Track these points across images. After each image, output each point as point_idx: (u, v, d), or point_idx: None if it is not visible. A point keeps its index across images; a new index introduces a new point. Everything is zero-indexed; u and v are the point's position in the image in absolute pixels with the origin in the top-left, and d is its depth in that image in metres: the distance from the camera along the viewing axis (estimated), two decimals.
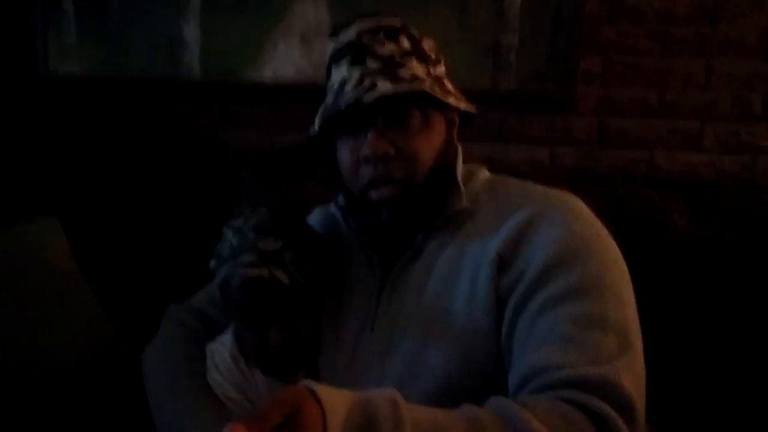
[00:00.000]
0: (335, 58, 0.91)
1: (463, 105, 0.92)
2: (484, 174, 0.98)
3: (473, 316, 0.83)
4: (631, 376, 0.70)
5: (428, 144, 0.89)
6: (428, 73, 0.89)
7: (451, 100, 0.89)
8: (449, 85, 0.93)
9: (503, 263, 0.83)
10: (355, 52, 0.88)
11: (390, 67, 0.86)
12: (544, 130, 1.68)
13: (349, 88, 0.86)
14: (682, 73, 1.64)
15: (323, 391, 0.60)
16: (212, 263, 0.95)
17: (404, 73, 0.86)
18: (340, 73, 0.89)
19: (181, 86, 1.72)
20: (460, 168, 0.95)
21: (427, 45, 0.93)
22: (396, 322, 0.90)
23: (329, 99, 0.90)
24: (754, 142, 1.64)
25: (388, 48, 0.88)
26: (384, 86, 0.83)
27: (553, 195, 0.88)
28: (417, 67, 0.88)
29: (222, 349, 0.98)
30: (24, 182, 1.54)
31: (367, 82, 0.84)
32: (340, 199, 1.03)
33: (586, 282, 0.76)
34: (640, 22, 1.63)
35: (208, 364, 0.97)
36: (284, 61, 1.68)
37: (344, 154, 0.91)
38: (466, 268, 0.87)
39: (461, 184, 0.93)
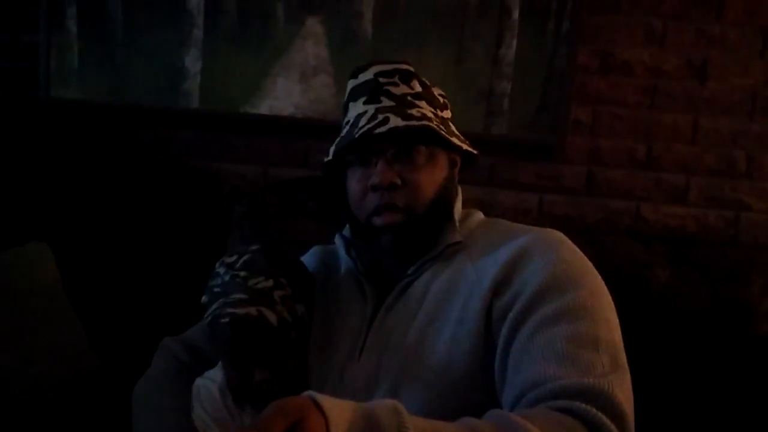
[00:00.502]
0: (353, 96, 1.01)
1: (465, 146, 1.00)
2: (480, 216, 1.06)
3: (459, 338, 0.88)
4: (623, 392, 0.74)
5: (431, 178, 0.96)
6: (436, 115, 0.98)
7: (455, 140, 0.97)
8: (453, 128, 1.02)
9: (499, 287, 0.88)
10: (372, 91, 0.97)
11: (402, 106, 0.95)
12: (533, 177, 1.71)
13: (363, 121, 0.95)
14: (670, 127, 1.68)
15: (326, 401, 0.62)
16: (204, 299, 0.97)
17: (415, 112, 0.95)
18: (356, 109, 0.99)
19: (179, 115, 1.75)
20: (459, 206, 1.03)
21: (436, 91, 1.03)
22: (383, 351, 0.94)
23: (344, 131, 0.99)
24: (737, 198, 1.67)
25: (402, 89, 0.97)
26: (395, 121, 0.92)
27: (544, 230, 0.95)
28: (426, 108, 0.97)
29: (210, 384, 0.99)
30: (17, 206, 1.56)
31: (380, 117, 0.93)
32: (345, 231, 1.09)
33: (579, 305, 0.82)
34: (630, 75, 1.67)
35: (192, 399, 0.98)
36: (282, 96, 1.71)
37: (353, 182, 0.98)
38: (460, 293, 0.92)
39: (456, 219, 1.01)
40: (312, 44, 1.69)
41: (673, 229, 1.64)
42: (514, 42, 1.65)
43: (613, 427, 0.70)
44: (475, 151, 1.02)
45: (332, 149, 0.99)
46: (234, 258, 0.98)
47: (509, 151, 1.70)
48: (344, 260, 1.09)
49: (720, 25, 1.65)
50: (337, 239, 1.11)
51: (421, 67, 1.02)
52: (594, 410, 0.70)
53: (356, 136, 0.92)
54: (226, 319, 0.91)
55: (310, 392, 0.63)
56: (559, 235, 0.94)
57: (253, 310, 0.91)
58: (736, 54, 1.65)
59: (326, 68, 1.68)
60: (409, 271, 0.98)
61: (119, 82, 1.75)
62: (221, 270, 0.97)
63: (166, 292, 1.55)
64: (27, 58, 1.79)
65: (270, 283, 0.94)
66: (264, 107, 1.73)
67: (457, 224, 1.00)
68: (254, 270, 0.95)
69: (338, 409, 0.62)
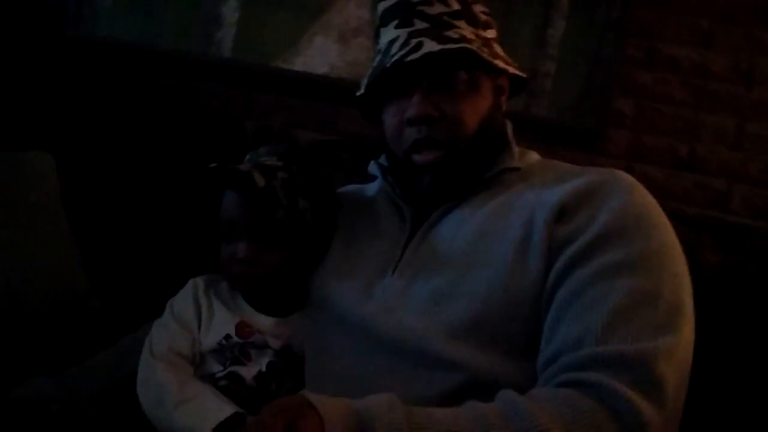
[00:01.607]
0: (384, 20, 0.92)
1: (512, 69, 0.91)
2: (536, 156, 0.96)
3: (525, 258, 0.77)
4: (670, 361, 0.66)
5: (474, 108, 0.87)
6: (477, 35, 0.89)
7: (500, 63, 0.88)
8: (498, 49, 0.92)
9: (564, 212, 0.79)
10: (404, 13, 0.88)
11: (438, 28, 0.87)
12: None
13: (395, 48, 0.86)
14: (714, 129, 1.63)
15: (320, 400, 0.62)
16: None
17: (452, 33, 0.85)
18: (388, 34, 0.90)
19: (208, 65, 1.70)
20: (511, 131, 0.94)
21: (478, 8, 0.92)
22: (423, 264, 0.85)
23: (376, 61, 0.91)
24: None
25: (437, 8, 0.88)
26: (430, 45, 0.82)
27: (615, 170, 0.85)
28: (466, 29, 0.88)
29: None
30: (28, 117, 1.45)
31: (413, 42, 0.84)
32: (382, 159, 1.01)
33: (646, 256, 0.73)
34: (676, 72, 1.64)
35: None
36: (318, 55, 1.66)
37: (389, 116, 0.90)
38: (518, 213, 0.82)
39: (514, 145, 0.91)
40: (355, 5, 1.65)
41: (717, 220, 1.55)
42: (562, 24, 1.62)
43: (642, 403, 0.63)
44: (524, 75, 0.93)
45: (364, 81, 0.92)
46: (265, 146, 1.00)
47: (548, 135, 1.64)
48: (378, 186, 1.02)
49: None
50: (372, 165, 1.03)
51: None
52: (621, 387, 0.63)
53: (388, 65, 0.85)
54: (215, 165, 0.90)
55: (304, 392, 0.65)
56: (631, 177, 0.84)
57: (246, 167, 0.91)
58: None
59: (367, 31, 1.64)
60: (452, 197, 0.89)
61: (151, 24, 1.69)
62: (248, 156, 0.99)
63: (168, 232, 1.43)
64: None
65: (279, 163, 0.93)
66: (298, 64, 1.67)
67: (515, 150, 0.91)
68: (272, 152, 0.96)
69: (333, 408, 0.63)
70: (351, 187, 1.09)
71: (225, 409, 0.83)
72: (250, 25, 1.67)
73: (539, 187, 0.85)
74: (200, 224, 1.30)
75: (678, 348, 0.68)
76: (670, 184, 1.64)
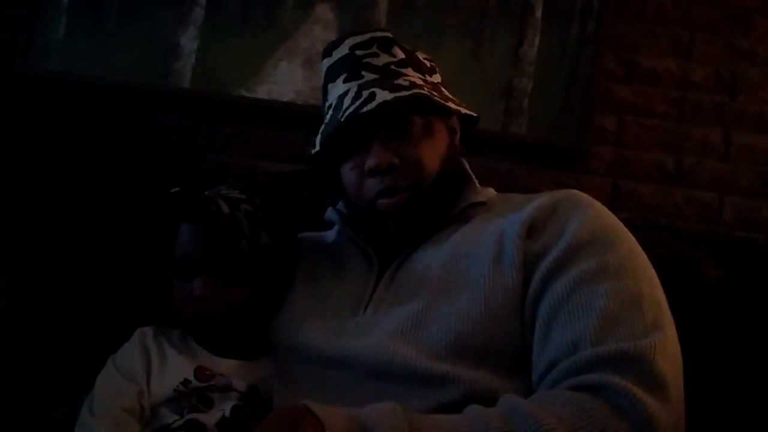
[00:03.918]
0: (330, 76, 0.92)
1: (463, 110, 0.93)
2: (493, 191, 0.98)
3: (500, 271, 0.78)
4: (666, 355, 0.68)
5: (432, 150, 0.89)
6: (425, 81, 0.91)
7: (451, 105, 0.90)
8: (447, 93, 0.95)
9: (533, 227, 0.81)
10: (351, 67, 0.89)
11: (387, 77, 0.87)
12: (553, 186, 1.58)
13: (347, 102, 0.86)
14: (700, 141, 1.59)
15: (321, 408, 0.62)
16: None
17: (402, 81, 0.86)
18: (336, 89, 0.90)
19: (167, 97, 1.63)
20: (468, 168, 0.96)
21: (421, 56, 0.95)
22: (397, 299, 0.84)
23: (328, 117, 0.91)
24: None
25: (383, 59, 0.89)
26: (383, 95, 0.83)
27: (575, 190, 0.89)
28: (414, 76, 0.89)
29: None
30: None
31: (365, 94, 0.84)
32: (340, 206, 1.01)
33: (621, 262, 0.76)
34: (657, 85, 1.60)
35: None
36: (283, 82, 1.60)
37: (347, 170, 0.90)
38: (488, 234, 0.84)
39: (475, 180, 0.94)
40: (320, 30, 1.60)
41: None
42: (537, 41, 1.59)
43: (648, 399, 0.63)
44: (474, 114, 0.95)
45: (318, 139, 0.91)
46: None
47: (528, 154, 1.59)
48: (337, 231, 1.01)
49: (748, 39, 1.61)
50: (330, 212, 1.03)
51: (437, 61, 0.97)
52: (626, 384, 0.64)
53: (342, 119, 0.84)
54: (181, 194, 0.84)
55: (305, 401, 0.63)
56: (589, 196, 0.87)
57: (210, 194, 0.87)
58: (765, 69, 1.59)
59: None
60: (419, 238, 0.90)
61: (106, 56, 1.62)
62: (207, 193, 0.92)
63: (120, 279, 1.32)
64: (9, 30, 1.66)
65: (242, 196, 0.90)
66: (262, 92, 1.60)
67: (476, 181, 0.94)
68: (235, 186, 0.93)
69: (333, 415, 0.63)
70: (308, 234, 1.06)
71: None
72: (210, 54, 1.62)
73: (504, 214, 0.87)
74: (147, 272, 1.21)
75: (668, 343, 0.70)
76: (659, 199, 1.59)
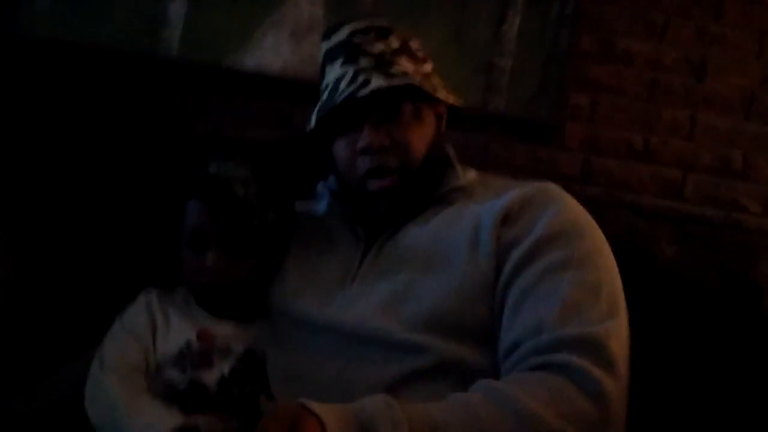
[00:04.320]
0: (329, 59, 1.01)
1: (451, 99, 1.02)
2: (474, 173, 1.07)
3: (476, 258, 0.87)
4: (617, 339, 0.78)
5: (420, 135, 0.97)
6: (417, 70, 0.98)
7: (441, 94, 0.98)
8: (437, 81, 1.03)
9: (508, 216, 0.90)
10: (348, 52, 0.96)
11: (382, 64, 0.95)
12: (527, 160, 1.68)
13: (343, 85, 0.94)
14: (668, 121, 1.68)
15: (318, 405, 0.65)
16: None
17: (395, 69, 0.94)
18: (334, 72, 0.98)
19: (154, 65, 1.66)
20: (452, 152, 1.05)
21: (414, 45, 1.03)
22: (381, 273, 0.93)
23: (324, 97, 0.98)
24: (733, 198, 1.66)
25: (379, 47, 0.96)
26: (377, 81, 0.91)
27: (549, 183, 0.99)
28: (406, 64, 0.97)
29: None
30: None
31: (360, 79, 0.92)
32: (330, 181, 1.09)
33: (585, 253, 0.86)
34: (630, 65, 1.68)
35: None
36: (271, 52, 1.64)
37: (340, 148, 0.98)
38: (467, 219, 0.93)
39: (457, 165, 1.03)
40: (307, 2, 1.63)
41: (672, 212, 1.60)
42: (518, 20, 1.64)
43: (603, 377, 0.73)
44: (460, 105, 1.03)
45: (314, 117, 0.99)
46: (229, 158, 1.01)
47: (505, 129, 1.67)
48: (327, 205, 1.09)
49: (719, 24, 1.68)
50: (320, 187, 1.13)
51: (419, 37, 1.03)
52: (585, 364, 0.74)
53: (338, 101, 0.93)
54: (197, 172, 0.94)
55: (302, 399, 0.66)
56: (561, 190, 0.98)
57: (225, 174, 0.94)
58: (734, 54, 1.67)
59: (320, 27, 1.62)
60: (405, 217, 0.98)
61: (93, 23, 1.64)
62: (212, 165, 0.99)
63: (114, 243, 1.38)
64: None
65: (250, 174, 0.97)
66: (249, 62, 1.64)
67: (460, 170, 1.02)
68: (241, 163, 0.99)
69: (331, 411, 0.65)
70: (300, 203, 1.13)
71: (173, 423, 0.85)
72: (198, 23, 1.65)
73: (482, 201, 0.95)
74: (143, 234, 1.27)
75: (621, 328, 0.81)
76: (626, 175, 1.69)
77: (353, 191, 0.99)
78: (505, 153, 1.67)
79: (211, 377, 0.92)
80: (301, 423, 0.63)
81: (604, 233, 0.93)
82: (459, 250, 0.89)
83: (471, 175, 1.05)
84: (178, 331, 0.95)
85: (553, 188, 0.96)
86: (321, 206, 1.11)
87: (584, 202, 1.56)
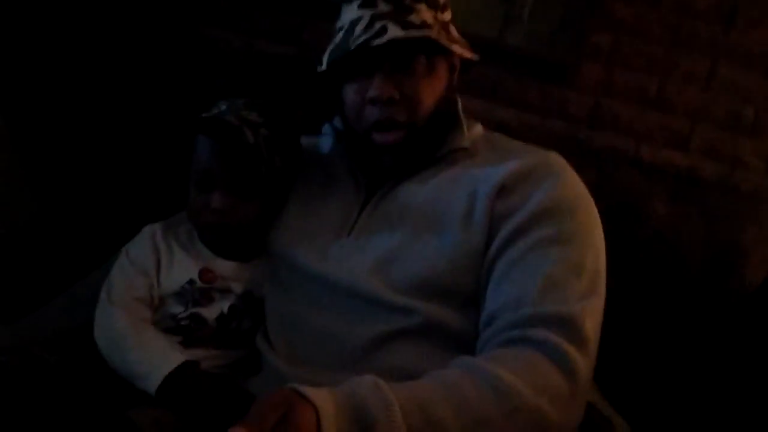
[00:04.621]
0: None
1: (467, 54, 0.99)
2: (480, 128, 1.07)
3: (468, 228, 0.90)
4: (592, 318, 0.82)
5: (431, 89, 0.95)
6: (435, 19, 0.95)
7: (456, 48, 0.96)
8: (454, 32, 1.01)
9: (503, 190, 0.91)
10: None
11: (400, 11, 0.92)
12: (539, 98, 1.66)
13: (359, 30, 0.91)
14: (687, 69, 1.63)
15: (309, 390, 0.65)
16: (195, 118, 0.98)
17: (414, 18, 0.92)
18: (350, 13, 0.95)
19: None
20: (461, 108, 1.03)
21: None
22: (378, 227, 0.95)
23: (338, 38, 0.96)
24: (736, 155, 1.66)
25: None
26: (394, 31, 0.88)
27: (551, 153, 0.99)
28: (426, 13, 0.94)
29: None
30: None
31: (377, 26, 0.90)
32: (336, 121, 1.08)
33: (574, 231, 0.88)
34: (657, 7, 1.61)
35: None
36: None
37: (350, 93, 0.97)
38: (464, 186, 0.94)
39: (464, 125, 1.01)
40: None
41: (670, 171, 1.61)
42: None
43: (576, 354, 0.77)
44: (476, 58, 1.01)
45: (325, 58, 0.97)
46: (239, 99, 1.01)
47: (520, 65, 1.64)
48: (331, 146, 1.09)
49: None
50: (326, 129, 1.12)
51: None
52: (561, 341, 0.77)
53: (352, 47, 0.90)
54: (206, 115, 0.94)
55: (292, 384, 0.66)
56: (562, 161, 0.98)
57: (235, 120, 0.94)
58: (766, 7, 1.60)
59: None
60: (408, 172, 0.99)
61: None
62: (222, 103, 1.01)
63: (118, 148, 1.40)
64: None
65: (260, 120, 0.97)
66: None
67: (465, 130, 1.01)
68: (252, 107, 0.99)
69: (323, 396, 0.66)
70: (305, 141, 1.14)
71: (177, 358, 0.91)
72: None
73: (483, 165, 0.96)
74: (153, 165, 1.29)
75: (597, 308, 0.85)
76: (634, 121, 1.67)
77: (359, 139, 0.99)
78: (516, 89, 1.65)
79: (210, 313, 0.99)
80: (294, 409, 0.63)
81: (601, 188, 0.95)
82: (452, 219, 0.91)
83: (477, 131, 1.04)
84: (181, 267, 1.00)
85: (554, 161, 0.97)
86: (325, 145, 1.12)
87: (586, 153, 1.58)
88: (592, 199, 0.94)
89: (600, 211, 0.93)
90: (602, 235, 0.92)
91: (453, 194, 0.93)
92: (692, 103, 1.66)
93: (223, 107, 0.99)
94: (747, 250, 1.35)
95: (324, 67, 0.96)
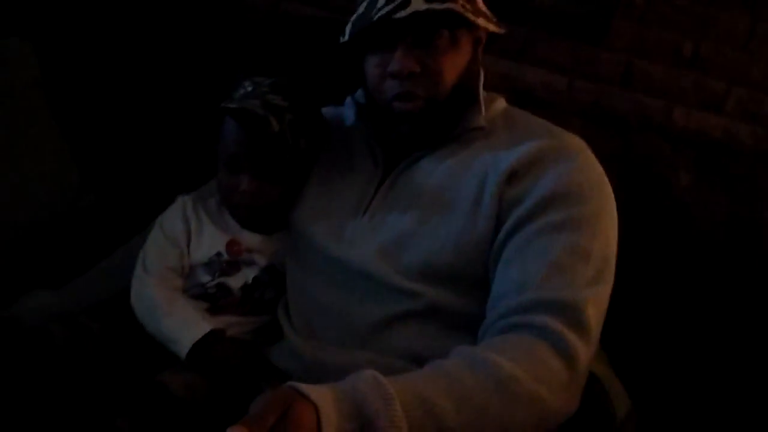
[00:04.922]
0: None
1: (492, 27, 0.97)
2: (502, 103, 1.07)
3: (475, 216, 0.91)
4: (596, 306, 0.82)
5: (453, 63, 0.94)
6: None
7: (481, 22, 0.94)
8: (480, 4, 0.99)
9: (514, 176, 0.91)
10: None
11: None
12: (568, 58, 1.63)
13: (382, 1, 0.90)
14: (724, 27, 1.57)
15: (308, 387, 0.65)
16: (224, 103, 1.00)
17: None
18: None
19: None
20: (481, 88, 1.02)
21: None
22: (391, 208, 0.97)
23: (361, 9, 0.95)
24: None
25: None
26: (417, 4, 0.87)
27: (570, 135, 0.98)
28: None
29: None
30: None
31: None
32: (358, 95, 1.09)
33: (585, 217, 0.87)
34: None
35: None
36: None
37: (371, 66, 0.97)
38: (474, 172, 0.94)
39: (482, 103, 1.00)
40: None
41: (701, 136, 1.57)
42: None
43: (576, 341, 0.78)
44: (502, 31, 0.99)
45: (348, 29, 0.97)
46: (263, 78, 1.03)
47: (549, 22, 1.60)
48: (353, 122, 1.09)
49: None
50: (348, 102, 1.12)
51: None
52: (562, 328, 0.78)
53: (374, 19, 0.89)
54: (233, 105, 0.96)
55: (291, 382, 0.66)
56: (580, 143, 0.96)
57: (260, 109, 0.96)
58: None
59: None
60: (424, 146, 0.99)
61: None
62: (247, 83, 1.03)
63: (157, 113, 1.45)
64: None
65: (285, 104, 0.99)
66: None
67: (483, 109, 0.99)
68: (277, 89, 1.00)
69: (323, 394, 0.65)
70: (328, 111, 1.15)
71: (204, 327, 0.98)
72: None
73: (497, 148, 0.96)
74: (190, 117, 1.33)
75: (603, 296, 0.85)
76: (668, 82, 1.63)
77: (379, 110, 0.99)
78: (545, 49, 1.62)
79: (236, 283, 1.04)
80: (294, 408, 0.62)
81: (625, 157, 0.92)
82: (461, 205, 0.92)
83: (497, 108, 1.03)
84: (210, 238, 1.05)
85: (571, 144, 0.95)
86: (348, 117, 1.12)
87: (612, 120, 1.56)
88: (608, 184, 0.93)
89: (622, 181, 0.91)
90: (615, 222, 0.91)
91: (464, 180, 0.94)
92: (729, 64, 1.60)
93: (249, 88, 1.01)
94: None
95: (346, 38, 0.96)
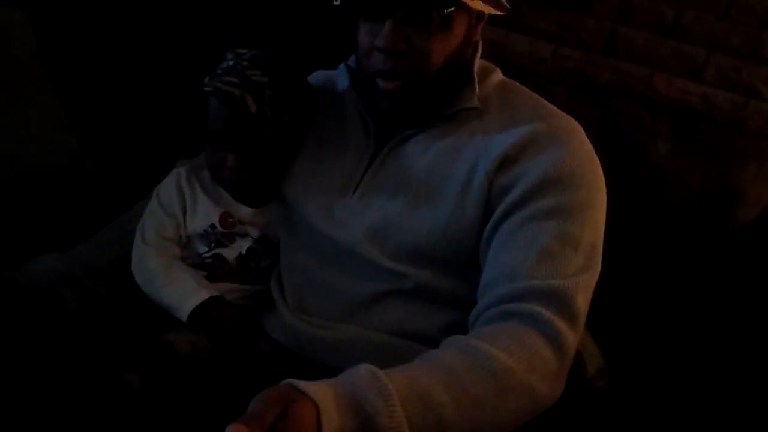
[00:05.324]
0: None
1: (490, 8, 0.93)
2: (498, 76, 1.04)
3: (464, 202, 0.91)
4: (585, 293, 0.83)
5: (443, 45, 0.91)
6: None
7: (477, 4, 0.90)
8: None
9: (505, 162, 0.90)
10: None
11: None
12: (553, 25, 1.66)
13: None
14: None
15: (307, 385, 0.64)
16: (206, 80, 1.00)
17: None
18: None
19: None
20: (476, 65, 0.99)
21: None
22: (380, 189, 0.97)
23: None
24: (752, 84, 1.67)
25: None
26: None
27: (562, 117, 0.96)
28: None
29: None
30: None
31: None
32: (352, 61, 1.06)
33: (574, 204, 0.87)
34: None
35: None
36: None
37: (362, 34, 0.94)
38: (465, 157, 0.94)
39: (476, 82, 0.97)
40: None
41: (680, 103, 1.63)
42: None
43: (566, 330, 0.79)
44: (502, 12, 0.95)
45: None
46: (245, 50, 1.02)
47: None
48: (346, 88, 1.07)
49: None
50: (342, 68, 1.09)
51: None
52: (553, 317, 0.79)
53: None
54: (209, 87, 0.97)
55: (289, 380, 0.65)
56: (571, 124, 0.95)
57: (237, 92, 0.96)
58: None
59: None
60: (414, 124, 0.98)
61: None
62: (229, 56, 1.03)
63: (151, 79, 1.48)
64: None
65: (265, 79, 0.99)
66: None
67: (477, 88, 0.97)
68: (257, 63, 1.00)
69: (322, 391, 0.65)
70: (321, 75, 1.15)
71: (201, 294, 1.03)
72: None
73: (489, 132, 0.95)
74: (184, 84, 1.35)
75: (590, 283, 0.86)
76: (649, 49, 1.67)
77: (367, 80, 0.97)
78: (530, 16, 1.65)
79: (231, 254, 1.09)
80: (294, 406, 0.62)
81: (605, 125, 0.90)
82: (450, 190, 0.92)
83: (492, 82, 1.01)
84: (204, 210, 1.09)
85: (566, 129, 0.94)
86: (341, 83, 1.11)
87: (594, 88, 1.60)
88: (598, 165, 0.93)
89: (601, 149, 0.92)
90: (604, 204, 0.92)
91: (454, 164, 0.94)
92: (710, 32, 1.64)
93: (231, 62, 1.01)
94: (745, 187, 1.38)
95: (338, 2, 0.94)
